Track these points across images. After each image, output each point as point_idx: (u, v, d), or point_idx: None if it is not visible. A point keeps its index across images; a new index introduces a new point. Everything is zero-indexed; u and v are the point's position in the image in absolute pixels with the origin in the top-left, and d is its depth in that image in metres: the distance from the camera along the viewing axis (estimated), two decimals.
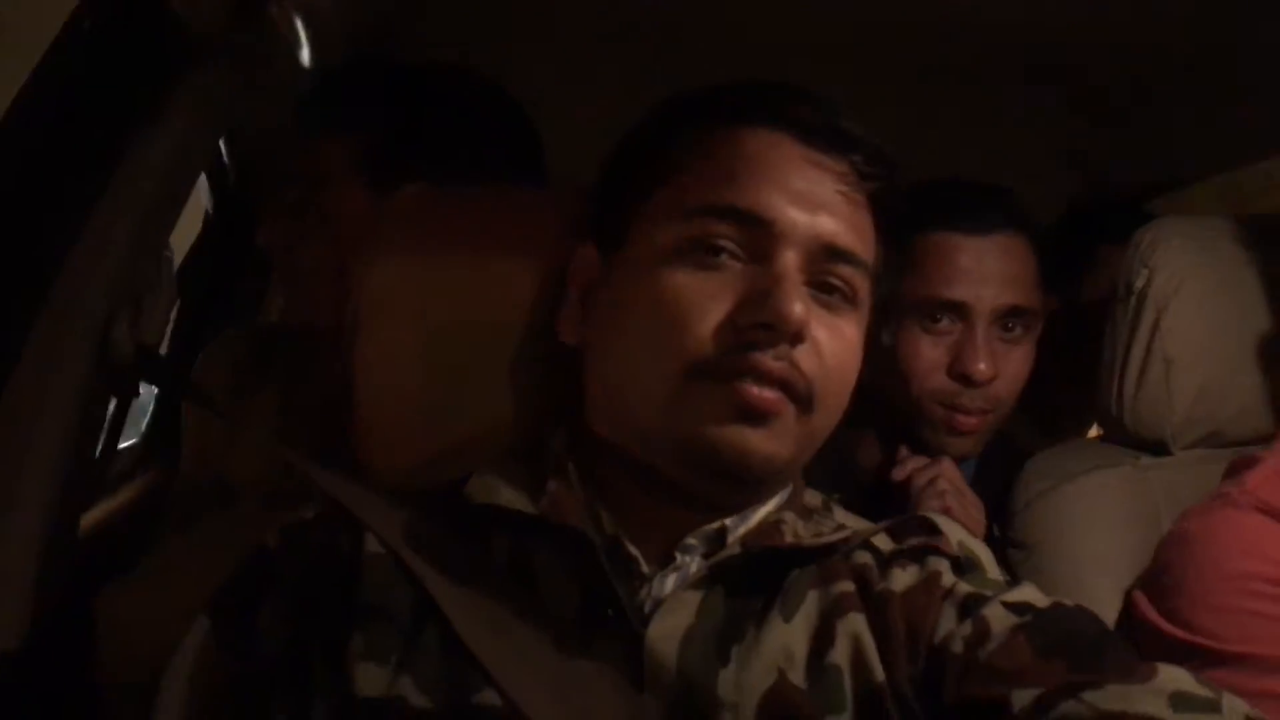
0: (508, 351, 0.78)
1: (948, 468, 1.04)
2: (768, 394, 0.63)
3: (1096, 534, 0.98)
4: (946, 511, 0.99)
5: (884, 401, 1.06)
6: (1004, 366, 1.04)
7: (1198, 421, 1.01)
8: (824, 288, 0.66)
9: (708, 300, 0.64)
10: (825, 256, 0.66)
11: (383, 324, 0.79)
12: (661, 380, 0.64)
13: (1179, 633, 0.83)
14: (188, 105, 0.81)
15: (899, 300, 1.03)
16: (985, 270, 1.03)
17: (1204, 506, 0.90)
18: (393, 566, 0.66)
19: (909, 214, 1.03)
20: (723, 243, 0.65)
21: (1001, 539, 1.03)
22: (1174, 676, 0.59)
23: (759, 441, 0.63)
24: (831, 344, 0.66)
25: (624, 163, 0.74)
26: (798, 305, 0.62)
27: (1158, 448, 1.03)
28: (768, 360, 0.62)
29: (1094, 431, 1.45)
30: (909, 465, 1.05)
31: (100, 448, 0.90)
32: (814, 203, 0.66)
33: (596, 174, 0.76)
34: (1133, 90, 1.20)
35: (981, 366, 1.01)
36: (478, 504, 0.68)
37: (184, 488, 1.04)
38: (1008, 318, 1.04)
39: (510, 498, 0.68)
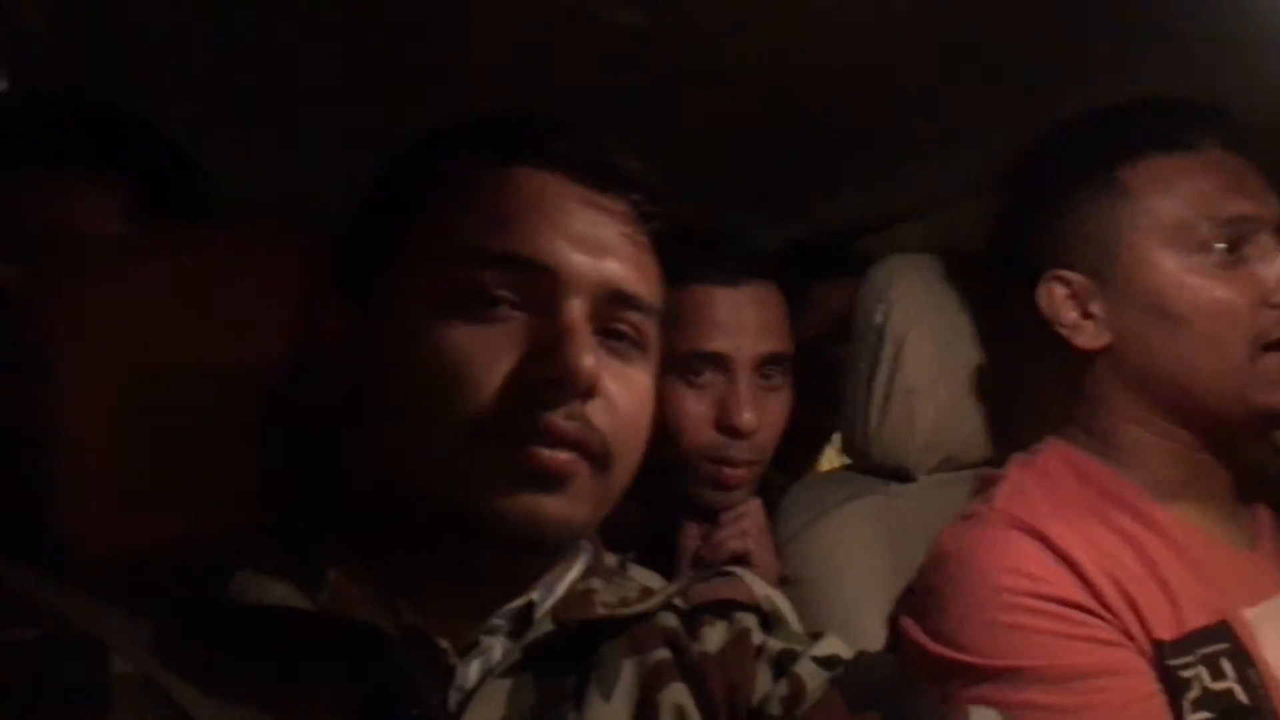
0: (239, 412, 0.69)
1: (755, 509, 1.04)
2: (561, 456, 0.58)
3: (858, 563, 1.01)
4: (747, 554, 0.99)
5: (646, 463, 1.05)
6: (766, 416, 1.05)
7: (934, 448, 1.08)
8: (612, 334, 0.63)
9: (488, 355, 0.59)
10: (613, 303, 0.62)
11: (81, 379, 0.68)
12: (443, 445, 0.58)
13: (946, 651, 0.87)
14: None
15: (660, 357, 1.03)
16: (742, 320, 1.04)
17: (958, 526, 0.95)
18: (147, 688, 0.55)
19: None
20: (500, 292, 0.60)
21: None
22: (985, 718, 0.61)
23: (554, 508, 0.59)
24: (624, 395, 0.62)
25: (373, 206, 0.67)
26: (589, 358, 0.58)
27: (902, 475, 1.09)
28: (559, 421, 0.58)
29: (827, 462, 1.53)
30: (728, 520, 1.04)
31: None
32: (597, 246, 0.62)
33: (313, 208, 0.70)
34: (828, 142, 1.27)
35: (747, 416, 1.02)
36: (243, 605, 0.58)
37: None
38: (766, 365, 1.06)
39: (283, 594, 0.59)
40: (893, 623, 0.96)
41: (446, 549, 0.61)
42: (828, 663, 0.64)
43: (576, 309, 0.60)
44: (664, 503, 1.08)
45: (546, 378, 0.58)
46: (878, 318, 1.08)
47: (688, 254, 1.03)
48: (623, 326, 0.63)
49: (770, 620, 0.68)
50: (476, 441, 0.58)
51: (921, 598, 0.93)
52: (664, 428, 1.03)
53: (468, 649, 0.61)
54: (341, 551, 0.61)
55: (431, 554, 0.61)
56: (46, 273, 0.80)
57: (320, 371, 0.66)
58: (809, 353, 1.26)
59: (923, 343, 1.07)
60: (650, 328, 0.65)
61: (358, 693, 0.58)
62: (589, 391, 0.59)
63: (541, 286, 0.60)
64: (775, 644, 0.66)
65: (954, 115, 1.15)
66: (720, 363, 1.03)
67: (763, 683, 0.64)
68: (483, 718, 0.58)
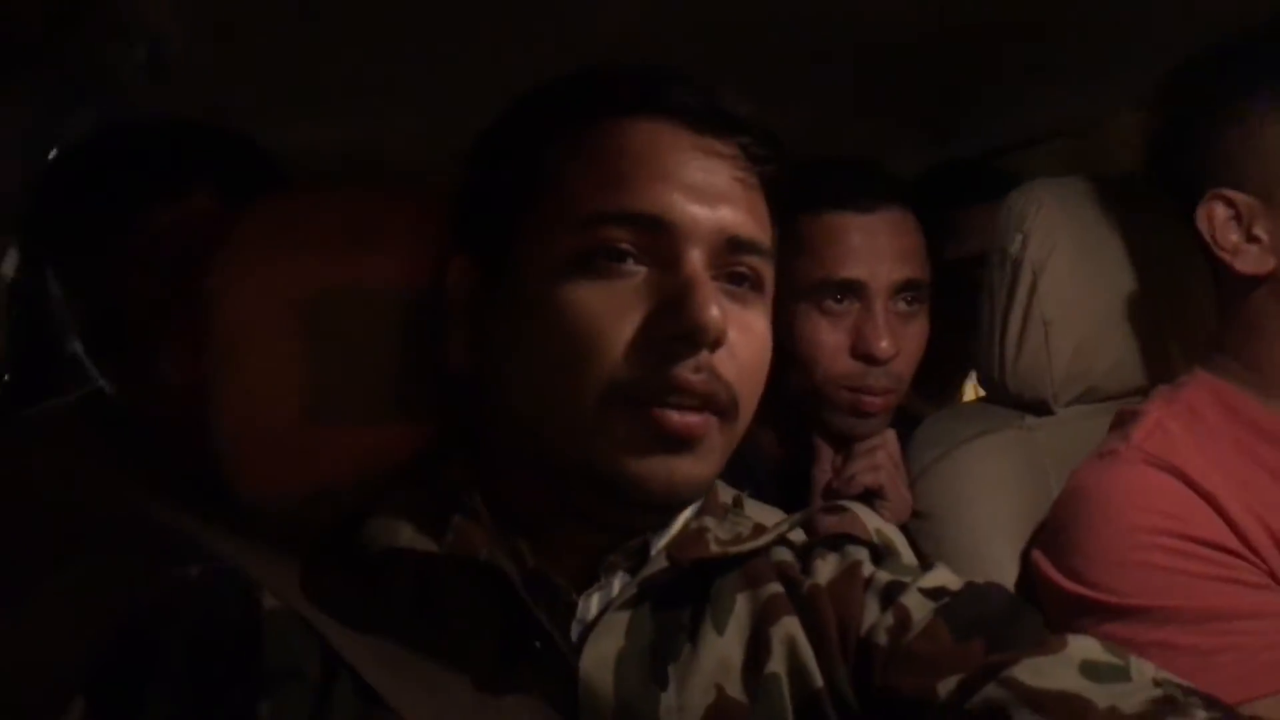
0: (383, 368, 0.72)
1: (890, 441, 1.03)
2: (691, 418, 0.59)
3: (989, 498, 1.00)
4: (878, 488, 0.99)
5: (779, 390, 1.05)
6: (903, 342, 1.04)
7: (1075, 379, 1.04)
8: (732, 279, 0.63)
9: (614, 314, 0.60)
10: (730, 249, 0.62)
11: (245, 346, 0.72)
12: (575, 410, 0.59)
13: (1079, 589, 0.85)
14: (13, 111, 0.73)
15: (789, 284, 1.02)
16: (878, 246, 1.03)
17: (1094, 463, 0.92)
18: (295, 623, 0.61)
19: (790, 195, 1.05)
20: (621, 249, 0.61)
21: None
22: (1083, 646, 0.61)
23: (686, 468, 0.60)
24: (745, 341, 0.63)
25: (494, 170, 0.68)
26: (714, 309, 0.58)
27: (1039, 407, 1.06)
28: (688, 375, 0.59)
29: (970, 392, 1.50)
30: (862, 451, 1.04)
31: None
32: (712, 194, 0.62)
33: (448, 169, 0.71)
34: (975, 53, 1.22)
35: (884, 344, 1.01)
36: (377, 548, 0.63)
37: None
38: (904, 292, 1.04)
39: (411, 538, 0.63)
40: (1025, 559, 0.95)
41: (577, 503, 0.63)
42: (934, 593, 0.65)
43: (696, 260, 0.61)
44: (799, 432, 1.09)
45: (674, 333, 0.59)
46: (1014, 245, 1.05)
47: (820, 180, 1.05)
48: (741, 270, 0.63)
49: (881, 553, 0.69)
50: (607, 404, 0.59)
51: (1054, 534, 0.92)
52: (799, 356, 1.03)
53: (587, 585, 0.64)
54: (466, 496, 0.64)
55: (558, 503, 0.64)
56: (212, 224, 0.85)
57: (449, 324, 0.68)
58: (956, 280, 1.24)
59: (1061, 271, 1.03)
60: (767, 270, 0.65)
61: (486, 627, 0.62)
62: (716, 342, 0.59)
63: (660, 240, 0.61)
64: (884, 575, 0.67)
65: (1116, 25, 1.08)
66: (856, 290, 1.03)
67: (870, 613, 0.65)
68: (602, 648, 0.61)
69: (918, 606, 0.64)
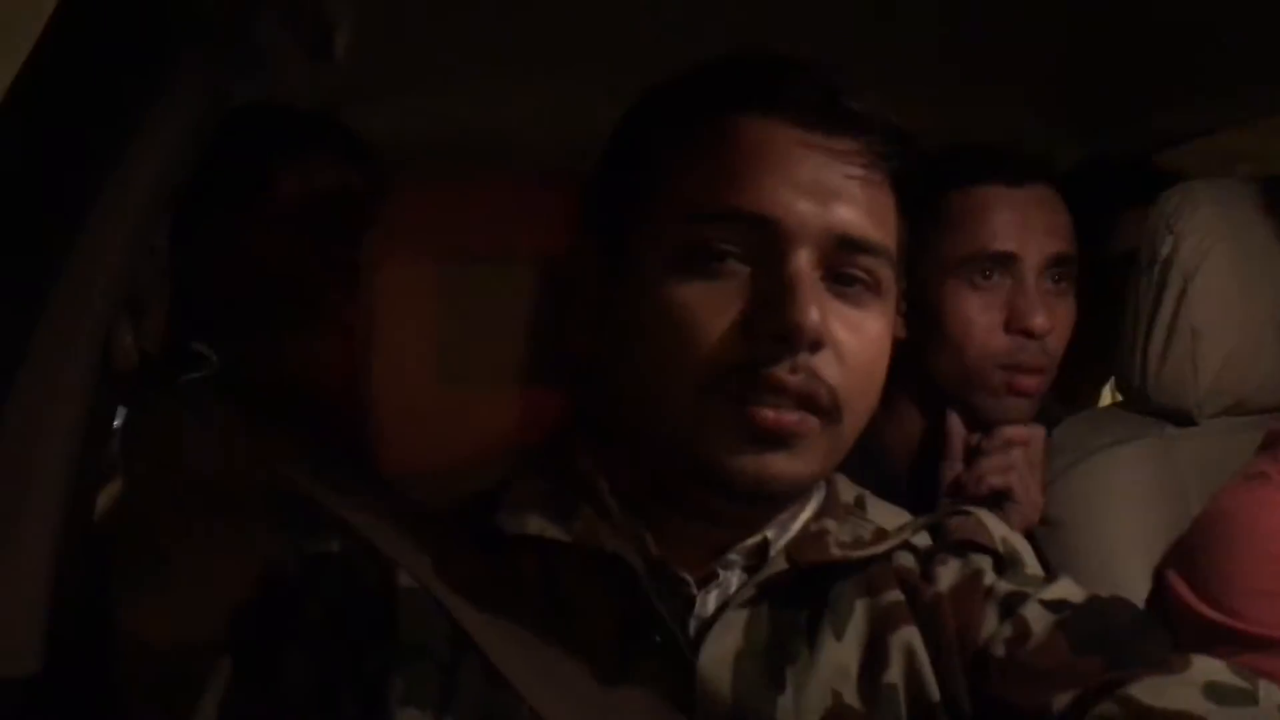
0: (518, 351, 0.75)
1: (1036, 438, 1.01)
2: (786, 416, 0.59)
3: (1125, 510, 0.97)
4: (1008, 489, 0.97)
5: (923, 371, 1.03)
6: (1055, 320, 1.01)
7: (1222, 392, 1.00)
8: (844, 279, 0.62)
9: (714, 311, 0.59)
10: (842, 249, 0.61)
11: (392, 326, 0.76)
12: (674, 401, 0.60)
13: (1215, 615, 0.82)
14: (181, 101, 0.76)
15: (937, 262, 1.01)
16: (1029, 220, 1.00)
17: (1241, 485, 0.88)
18: (427, 601, 0.63)
19: (936, 173, 1.02)
20: (726, 247, 0.60)
21: None
22: (1208, 667, 0.59)
23: (781, 465, 0.60)
24: (854, 343, 0.61)
25: (616, 163, 0.69)
26: (812, 311, 0.58)
27: (1181, 417, 1.02)
28: (783, 375, 0.58)
29: (1107, 397, 1.45)
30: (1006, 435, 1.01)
31: None
32: (824, 192, 0.61)
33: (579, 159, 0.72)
34: (1134, 45, 1.16)
35: (1039, 319, 0.98)
36: (508, 533, 0.65)
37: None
38: (1055, 267, 1.01)
39: (541, 525, 0.64)
40: (1159, 577, 0.92)
41: (685, 492, 0.63)
42: (1055, 605, 0.64)
43: (802, 259, 0.60)
44: (939, 421, 1.06)
45: (770, 332, 0.58)
46: (1164, 249, 1.00)
47: (965, 159, 1.03)
48: (855, 271, 0.62)
49: (1005, 562, 0.68)
50: (704, 397, 0.59)
51: (1193, 556, 0.88)
52: (949, 335, 1.01)
53: (707, 580, 0.65)
54: (594, 484, 0.65)
55: (675, 496, 0.64)
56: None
57: (579, 317, 0.69)
58: (1108, 282, 1.19)
59: (1213, 279, 0.98)
60: (885, 271, 0.63)
61: (609, 617, 0.63)
62: (813, 345, 0.59)
63: (765, 239, 0.60)
64: (1005, 586, 0.65)
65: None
66: (1008, 263, 1.00)
67: (989, 623, 0.64)
68: (720, 645, 0.62)
69: (1037, 618, 0.63)
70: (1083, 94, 1.28)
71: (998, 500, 0.98)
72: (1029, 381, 1.00)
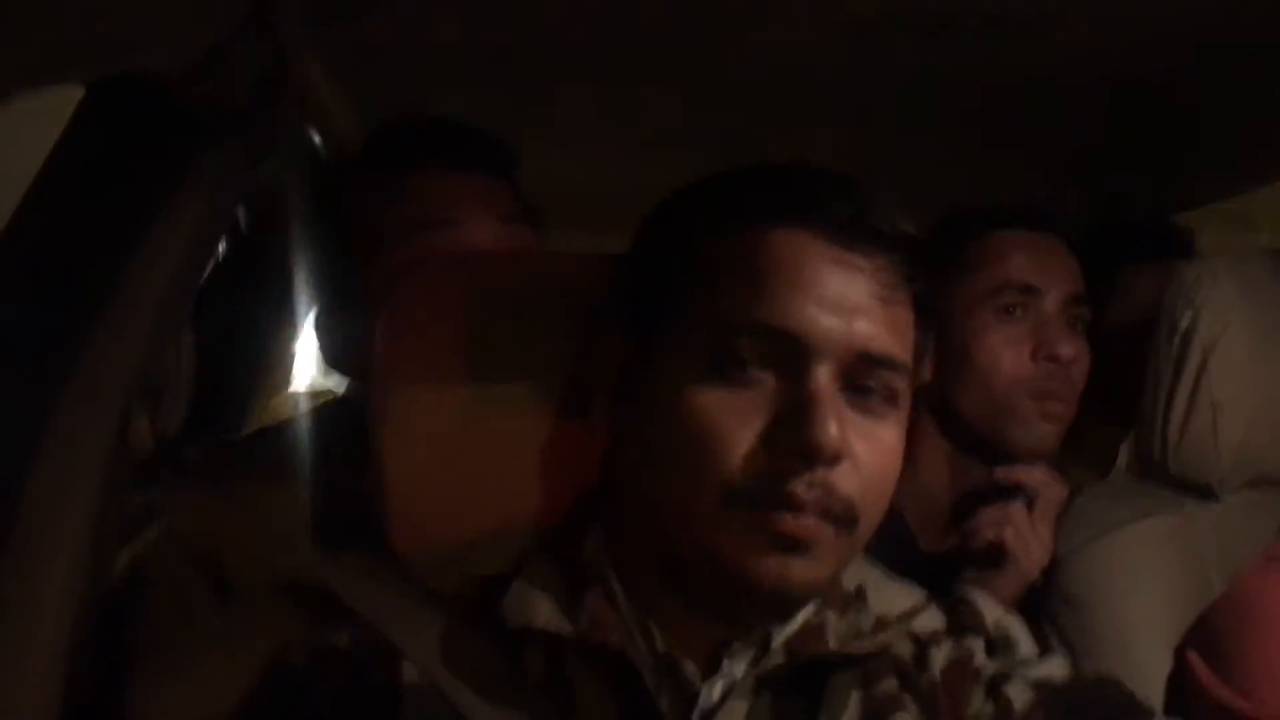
0: (535, 431, 0.75)
1: (1050, 492, 1.02)
2: (805, 522, 0.60)
3: (1145, 590, 0.96)
4: (1001, 544, 0.98)
5: (951, 417, 1.07)
6: (1079, 351, 1.05)
7: (1245, 465, 0.99)
8: (862, 390, 0.63)
9: (738, 420, 0.61)
10: (862, 364, 0.62)
11: (405, 399, 0.76)
12: (698, 508, 0.61)
13: (1238, 702, 0.81)
14: (201, 191, 0.78)
15: (961, 302, 1.05)
16: (1049, 261, 1.06)
17: (1264, 567, 0.87)
18: (433, 694, 0.63)
19: (956, 228, 1.08)
20: (750, 358, 0.61)
21: (1044, 585, 1.00)
22: None
23: (800, 570, 0.61)
24: (871, 456, 0.62)
25: (645, 260, 0.70)
26: (833, 429, 0.59)
27: (1203, 491, 1.00)
28: (801, 492, 0.59)
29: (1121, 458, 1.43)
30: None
31: None
32: (848, 308, 0.62)
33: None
34: (1151, 106, 1.17)
35: (1066, 345, 1.02)
36: (514, 626, 0.65)
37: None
38: (1072, 306, 1.06)
39: (547, 616, 0.65)
40: (1178, 654, 0.91)
41: (701, 593, 0.64)
42: (1038, 684, 0.65)
43: (823, 375, 0.61)
44: (975, 463, 1.08)
45: (791, 448, 0.59)
46: (1184, 322, 1.00)
47: (984, 210, 1.09)
48: (872, 383, 0.63)
49: (996, 645, 0.69)
50: (726, 506, 0.60)
51: (1215, 637, 0.87)
52: (978, 368, 1.04)
53: (711, 671, 0.65)
54: (602, 575, 0.66)
55: (685, 591, 0.65)
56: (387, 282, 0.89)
57: (600, 398, 0.70)
58: (1114, 344, 1.18)
59: (1234, 352, 0.97)
60: (901, 384, 0.64)
61: (613, 708, 0.63)
62: (833, 459, 0.60)
63: (789, 352, 0.61)
64: (992, 666, 0.67)
65: None
66: (1032, 295, 1.04)
67: (975, 703, 0.65)
68: None
69: (1019, 695, 0.65)
70: (1097, 162, 1.29)
71: (991, 554, 0.99)
72: (1057, 407, 1.04)
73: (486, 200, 0.97)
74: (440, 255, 0.91)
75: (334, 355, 1.03)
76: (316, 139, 0.98)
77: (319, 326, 1.03)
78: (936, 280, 0.67)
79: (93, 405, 0.78)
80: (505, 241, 0.96)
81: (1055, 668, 0.67)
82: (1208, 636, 0.88)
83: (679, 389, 0.62)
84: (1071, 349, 1.03)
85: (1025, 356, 1.03)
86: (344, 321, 0.97)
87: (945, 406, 1.07)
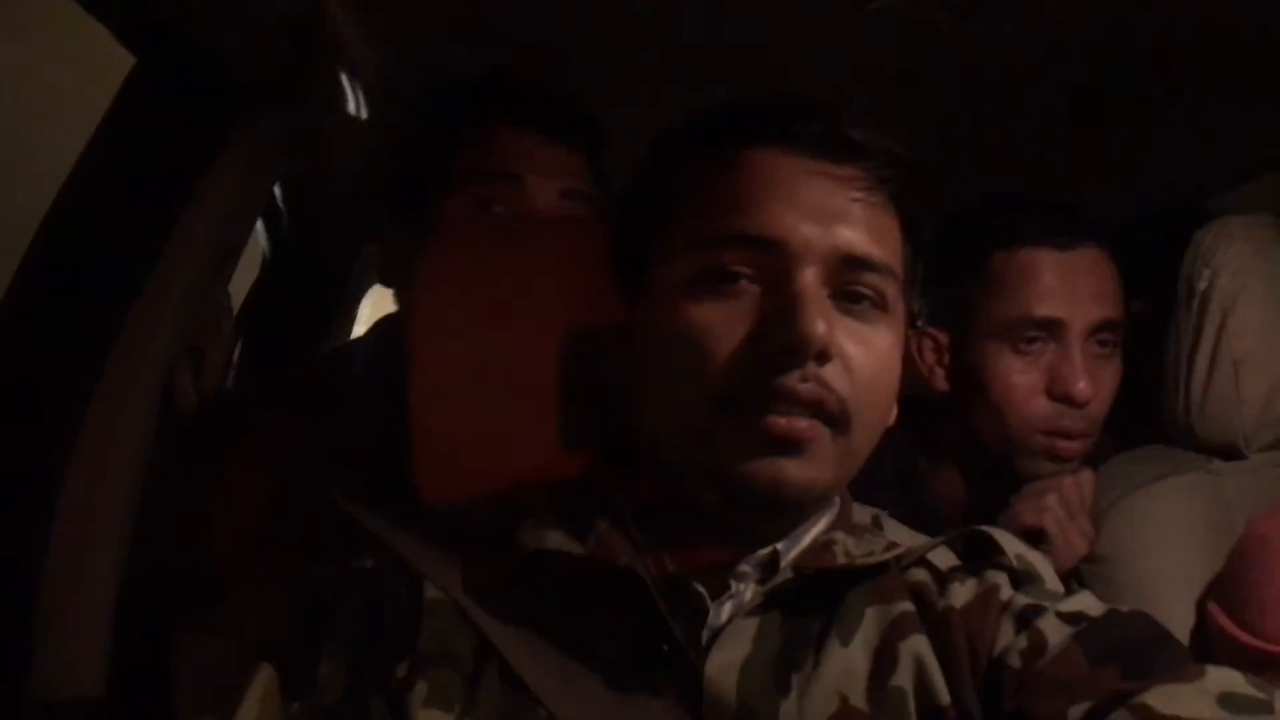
0: (552, 385, 0.77)
1: (1085, 482, 1.00)
2: (798, 422, 0.61)
3: (1169, 545, 0.96)
4: (1041, 529, 0.96)
5: (967, 432, 1.04)
6: (1099, 385, 0.99)
7: (1271, 423, 0.99)
8: (850, 297, 0.65)
9: (727, 328, 0.63)
10: (847, 267, 0.64)
11: (434, 357, 0.79)
12: (691, 416, 0.63)
13: (1255, 642, 0.80)
14: (241, 158, 0.83)
15: (981, 323, 1.01)
16: (1075, 285, 0.99)
17: (1274, 512, 0.87)
18: (452, 613, 0.66)
19: (984, 232, 1.04)
20: (738, 269, 0.64)
21: None
22: (1224, 677, 0.58)
23: (794, 471, 0.62)
24: (862, 357, 0.64)
25: (634, 200, 0.73)
26: (819, 323, 0.61)
27: (1229, 451, 1.00)
28: (793, 384, 0.61)
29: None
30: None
31: None
32: (828, 215, 0.64)
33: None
34: (1171, 91, 1.16)
35: (1082, 385, 0.97)
36: (529, 550, 0.68)
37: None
38: (1101, 332, 1.00)
39: (559, 541, 0.67)
40: (1201, 608, 0.90)
41: (703, 507, 0.66)
42: (1072, 618, 0.63)
43: (808, 277, 0.63)
44: (988, 475, 1.05)
45: (779, 344, 0.61)
46: (1202, 283, 1.00)
47: (1015, 217, 1.03)
48: (860, 289, 0.65)
49: (1021, 579, 0.68)
50: (720, 410, 0.62)
51: (1232, 585, 0.86)
52: (991, 399, 1.00)
53: (720, 592, 0.66)
54: (612, 503, 0.69)
55: (691, 510, 0.66)
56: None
57: (606, 351, 0.73)
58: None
59: (1253, 309, 0.98)
60: (889, 288, 0.66)
61: (623, 628, 0.65)
62: (821, 355, 0.61)
63: (774, 260, 0.63)
64: (1022, 599, 0.65)
65: None
66: (1053, 328, 0.99)
67: (1004, 636, 0.64)
68: (727, 653, 0.63)
69: (1054, 631, 0.63)
70: (1131, 144, 1.29)
71: (1033, 541, 0.97)
72: (1070, 446, 0.99)
73: (551, 165, 0.98)
74: (491, 210, 0.95)
75: (391, 274, 1.05)
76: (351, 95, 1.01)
77: (385, 243, 1.05)
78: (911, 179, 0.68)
79: (138, 364, 0.82)
80: (558, 211, 0.97)
81: (1087, 602, 0.65)
82: (1226, 585, 0.88)
83: (670, 306, 0.65)
84: (1089, 388, 0.97)
85: (1040, 392, 0.99)
86: (408, 243, 0.97)
87: (962, 422, 1.05)
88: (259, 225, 1.43)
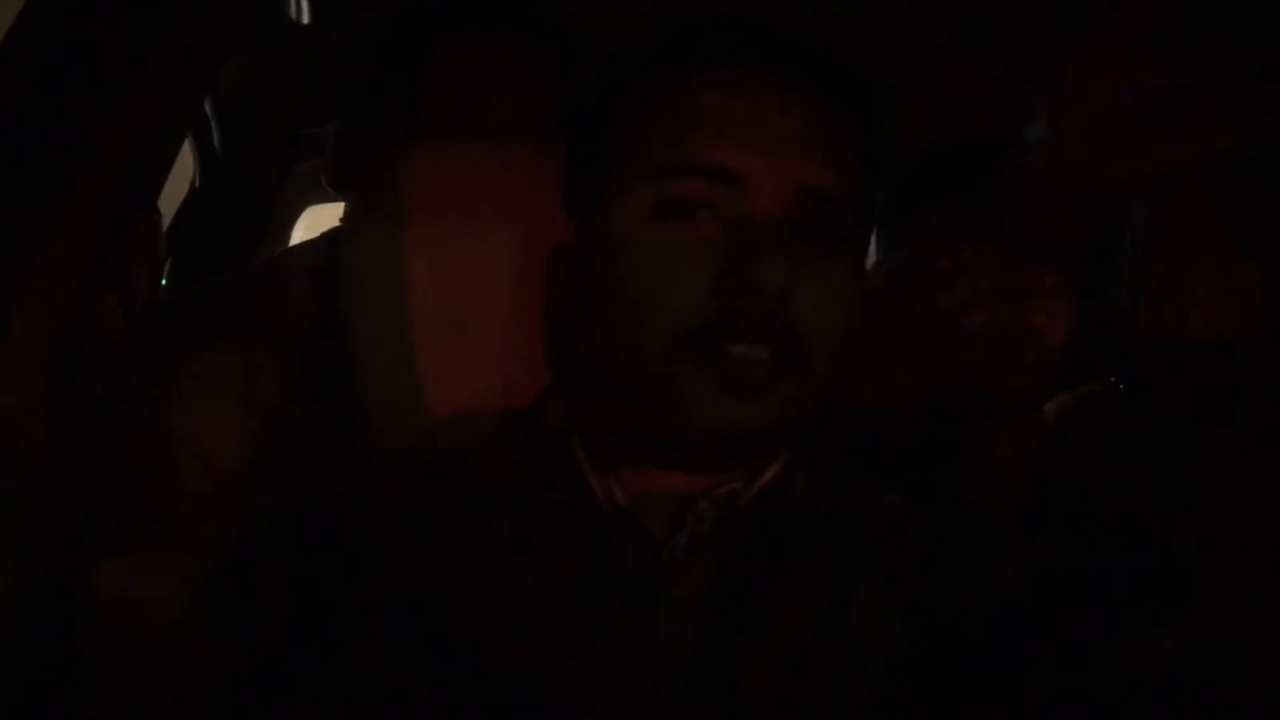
0: (499, 319, 0.75)
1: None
2: (756, 361, 0.60)
3: None
4: None
5: None
6: None
7: None
8: (811, 231, 0.62)
9: (683, 264, 0.60)
10: (806, 201, 0.62)
11: (372, 291, 0.76)
12: (645, 358, 0.61)
13: None
14: (167, 63, 0.78)
15: None
16: None
17: None
18: (394, 549, 0.63)
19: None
20: (693, 199, 0.61)
21: None
22: None
23: (753, 413, 0.60)
24: (822, 294, 0.62)
25: (583, 126, 0.69)
26: (780, 263, 0.58)
27: None
28: (750, 326, 0.59)
29: None
30: None
31: None
32: (787, 145, 0.61)
33: None
34: None
35: None
36: (476, 488, 0.66)
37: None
38: None
39: (510, 479, 0.65)
40: None
41: (657, 446, 0.64)
42: (1030, 564, 0.63)
43: (764, 210, 0.61)
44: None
45: (738, 284, 0.59)
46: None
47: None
48: (819, 223, 0.62)
49: (977, 523, 0.68)
50: (675, 352, 0.60)
51: None
52: None
53: (675, 528, 0.65)
54: (565, 439, 0.67)
55: (648, 452, 0.65)
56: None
57: (552, 277, 0.70)
58: None
59: None
60: (850, 223, 0.64)
61: (576, 563, 0.63)
62: (782, 292, 0.59)
63: (729, 191, 0.61)
64: (978, 545, 0.65)
65: None
66: None
67: (959, 580, 0.63)
68: (682, 592, 0.62)
69: (1011, 575, 0.63)
70: None
71: None
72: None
73: (522, 74, 0.95)
74: (459, 119, 0.92)
75: (343, 176, 1.01)
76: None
77: (340, 138, 1.02)
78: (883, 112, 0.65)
79: (57, 285, 0.77)
80: (521, 121, 0.93)
81: (1044, 547, 0.65)
82: None
83: (623, 239, 0.62)
84: None
85: None
86: (363, 138, 0.96)
87: None
88: (188, 141, 1.36)
